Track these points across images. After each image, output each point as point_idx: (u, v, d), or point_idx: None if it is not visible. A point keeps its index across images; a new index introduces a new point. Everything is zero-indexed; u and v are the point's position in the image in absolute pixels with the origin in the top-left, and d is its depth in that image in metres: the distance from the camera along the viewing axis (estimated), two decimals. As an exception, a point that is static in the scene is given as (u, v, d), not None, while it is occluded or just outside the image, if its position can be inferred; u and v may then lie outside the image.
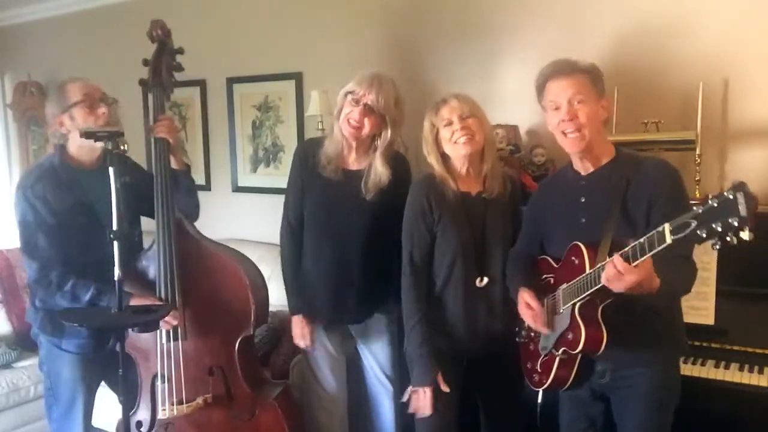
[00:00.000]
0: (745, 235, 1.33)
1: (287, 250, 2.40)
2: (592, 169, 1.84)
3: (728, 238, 1.34)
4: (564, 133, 1.79)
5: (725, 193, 1.34)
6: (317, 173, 2.29)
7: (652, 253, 1.48)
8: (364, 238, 2.28)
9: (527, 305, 1.90)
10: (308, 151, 2.34)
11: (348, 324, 2.44)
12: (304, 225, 2.36)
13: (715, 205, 1.35)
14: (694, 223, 1.38)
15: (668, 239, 1.44)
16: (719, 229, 1.34)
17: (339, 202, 2.29)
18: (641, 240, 1.51)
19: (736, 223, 1.32)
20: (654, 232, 1.47)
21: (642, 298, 1.61)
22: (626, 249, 1.55)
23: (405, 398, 2.14)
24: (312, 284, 2.36)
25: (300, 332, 2.38)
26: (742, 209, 1.31)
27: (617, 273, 1.54)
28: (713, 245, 1.37)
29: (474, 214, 2.11)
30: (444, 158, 2.12)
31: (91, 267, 2.13)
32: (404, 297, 2.14)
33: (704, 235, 1.37)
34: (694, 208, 1.39)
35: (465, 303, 2.09)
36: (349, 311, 2.36)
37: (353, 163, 2.32)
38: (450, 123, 2.07)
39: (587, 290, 1.68)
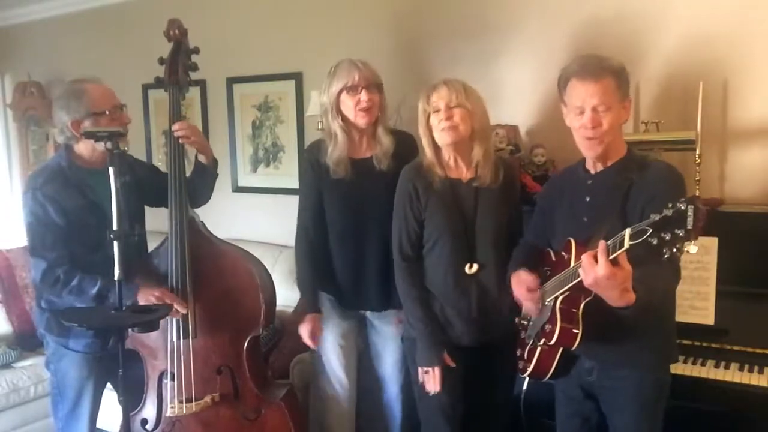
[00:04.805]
0: (692, 248, 1.34)
1: (303, 254, 2.40)
2: (600, 169, 1.84)
3: (675, 250, 1.34)
4: (584, 137, 1.77)
5: (678, 204, 1.34)
6: (329, 178, 2.31)
7: (613, 255, 1.48)
8: (386, 216, 2.24)
9: (519, 279, 1.90)
10: (317, 157, 2.34)
11: (370, 311, 2.44)
12: (320, 226, 2.37)
13: (670, 215, 1.35)
14: (649, 231, 1.38)
15: (626, 243, 1.44)
16: (667, 239, 1.35)
17: (360, 192, 2.30)
18: (609, 241, 1.51)
19: (681, 235, 1.32)
20: (618, 234, 1.47)
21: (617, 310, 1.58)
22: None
23: (420, 380, 2.13)
24: (337, 276, 2.37)
25: (310, 331, 2.37)
26: (690, 222, 1.31)
27: (591, 261, 1.52)
28: (663, 255, 1.37)
29: (464, 201, 2.11)
30: (435, 144, 2.10)
31: (98, 265, 2.12)
32: (398, 281, 2.16)
33: (655, 243, 1.37)
34: (652, 215, 1.38)
35: (455, 290, 2.09)
36: (372, 298, 2.38)
37: (366, 150, 2.35)
38: (438, 110, 2.05)
39: (568, 284, 1.69)
